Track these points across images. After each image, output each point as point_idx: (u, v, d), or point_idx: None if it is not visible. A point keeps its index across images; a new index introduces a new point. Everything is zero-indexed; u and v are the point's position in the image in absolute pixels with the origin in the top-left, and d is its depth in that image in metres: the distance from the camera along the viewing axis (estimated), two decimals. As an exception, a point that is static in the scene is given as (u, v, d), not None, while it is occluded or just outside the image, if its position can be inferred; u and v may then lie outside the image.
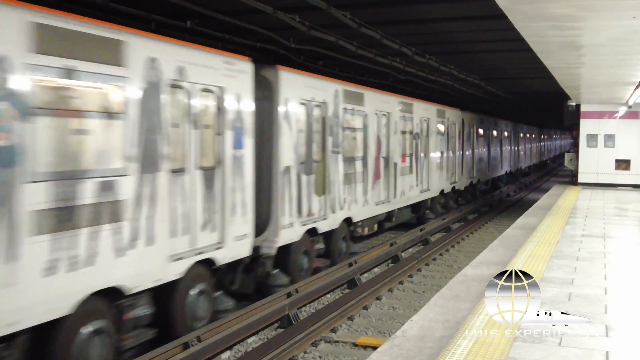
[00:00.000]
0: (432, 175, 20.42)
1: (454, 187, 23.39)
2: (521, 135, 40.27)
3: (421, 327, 6.12)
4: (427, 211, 20.67)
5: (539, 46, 10.90)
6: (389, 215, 16.73)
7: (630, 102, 20.76)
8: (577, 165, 23.98)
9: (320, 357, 8.46)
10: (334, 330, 9.39)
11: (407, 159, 18.02)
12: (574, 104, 24.02)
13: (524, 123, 41.58)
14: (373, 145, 15.37)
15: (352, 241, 14.57)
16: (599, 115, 23.24)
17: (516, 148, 38.04)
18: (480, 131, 27.93)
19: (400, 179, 17.16)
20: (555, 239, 11.03)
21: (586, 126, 23.41)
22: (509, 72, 21.87)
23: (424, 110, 19.66)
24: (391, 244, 15.62)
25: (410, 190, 18.19)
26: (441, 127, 21.62)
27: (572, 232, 12.11)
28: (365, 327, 9.71)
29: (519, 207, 24.66)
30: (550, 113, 36.75)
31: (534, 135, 47.40)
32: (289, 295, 10.47)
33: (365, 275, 13.20)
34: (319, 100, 12.48)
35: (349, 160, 13.95)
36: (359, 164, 14.53)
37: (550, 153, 66.58)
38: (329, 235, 13.07)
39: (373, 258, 14.04)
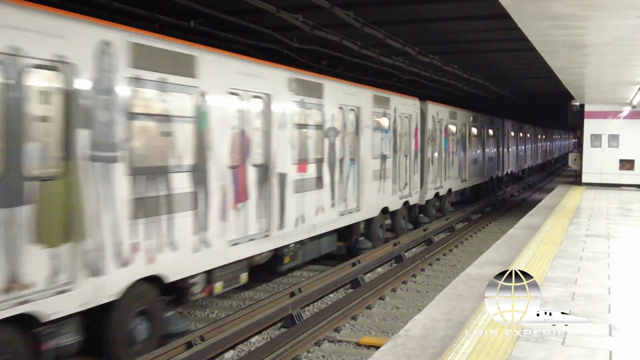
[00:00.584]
0: (365, 188, 14.44)
1: (406, 203, 17.56)
2: (513, 134, 35.03)
3: (424, 327, 6.11)
4: (361, 238, 14.86)
5: (543, 46, 10.89)
6: (277, 254, 10.96)
7: (635, 102, 20.71)
8: (581, 165, 23.94)
9: (323, 356, 8.46)
10: (337, 330, 9.38)
11: (312, 166, 12.03)
12: (578, 104, 23.99)
13: (517, 120, 36.92)
14: (225, 146, 9.30)
15: (183, 310, 9.91)
16: (603, 115, 23.19)
17: (506, 150, 32.96)
18: (452, 128, 22.36)
19: (294, 198, 11.26)
20: (559, 239, 11.01)
21: (590, 126, 23.38)
22: (512, 72, 21.86)
23: (346, 95, 13.64)
24: (394, 244, 15.61)
25: (318, 214, 12.22)
26: (383, 121, 15.73)
27: (576, 232, 12.09)
28: (369, 327, 9.71)
29: (523, 207, 24.62)
30: (554, 113, 36.68)
31: (529, 135, 41.65)
32: (292, 294, 10.48)
33: (369, 275, 13.19)
34: (44, 57, 6.50)
35: (152, 174, 7.88)
36: (182, 179, 8.35)
37: (551, 154, 59.76)
38: (103, 316, 7.29)
39: (376, 258, 14.03)
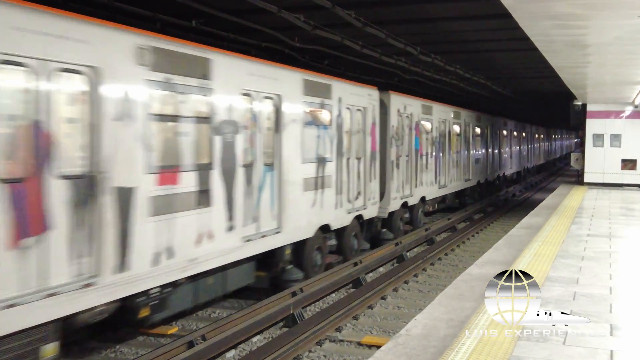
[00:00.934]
0: (291, 202, 10.96)
1: (359, 217, 14.09)
2: (506, 132, 31.71)
3: (425, 326, 6.12)
4: (290, 266, 11.45)
5: (545, 45, 10.88)
6: (126, 307, 7.61)
7: (637, 102, 20.73)
8: (583, 165, 23.93)
9: (325, 356, 8.47)
10: (338, 330, 9.39)
11: (190, 176, 8.46)
12: (579, 103, 23.99)
13: (512, 118, 34.04)
14: None
15: None
16: (605, 115, 23.19)
17: (498, 150, 29.80)
18: (427, 125, 19.09)
19: (151, 223, 7.75)
20: (560, 239, 11.00)
21: (592, 126, 23.37)
22: (514, 72, 21.85)
23: (256, 77, 10.11)
24: (396, 244, 15.61)
25: (203, 243, 8.66)
26: (322, 115, 12.32)
27: (577, 231, 12.08)
28: (370, 327, 9.72)
29: (525, 206, 24.60)
30: (557, 113, 36.69)
31: (525, 134, 37.99)
32: (293, 294, 10.48)
33: (370, 274, 13.20)
34: None
35: None
36: None
37: (550, 155, 55.65)
38: None
39: (378, 257, 14.03)
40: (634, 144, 22.89)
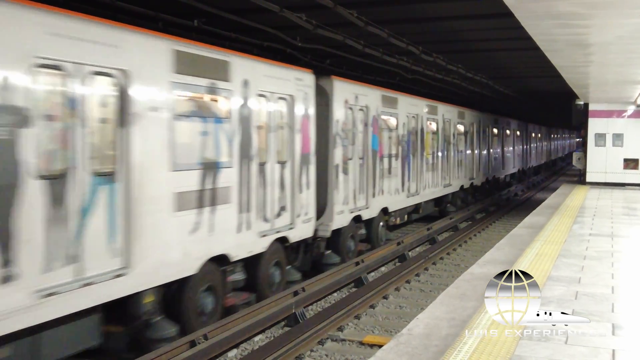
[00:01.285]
0: (149, 228, 7.62)
1: (283, 240, 10.89)
2: (496, 131, 28.63)
3: (427, 325, 6.12)
4: (158, 318, 8.04)
5: (547, 45, 10.87)
6: None
7: (639, 101, 20.69)
8: (585, 165, 23.92)
9: (326, 355, 8.47)
10: (340, 329, 9.40)
11: None
12: (582, 102, 23.98)
13: (505, 115, 31.16)
14: None
15: None
16: (608, 114, 23.18)
17: (487, 151, 27.10)
18: (390, 121, 16.07)
19: None
20: (562, 238, 11.00)
21: (594, 125, 23.36)
22: (516, 71, 21.84)
23: (61, 40, 6.52)
24: (398, 243, 15.60)
25: None
26: (215, 104, 9.17)
27: (579, 231, 12.07)
28: (372, 326, 9.72)
29: (527, 206, 24.60)
30: (559, 112, 36.67)
31: (520, 133, 34.86)
32: (295, 293, 10.49)
33: (372, 274, 13.20)
34: None
35: None
36: None
37: (548, 156, 50.70)
38: None
39: (380, 257, 14.02)
40: (636, 144, 22.88)
